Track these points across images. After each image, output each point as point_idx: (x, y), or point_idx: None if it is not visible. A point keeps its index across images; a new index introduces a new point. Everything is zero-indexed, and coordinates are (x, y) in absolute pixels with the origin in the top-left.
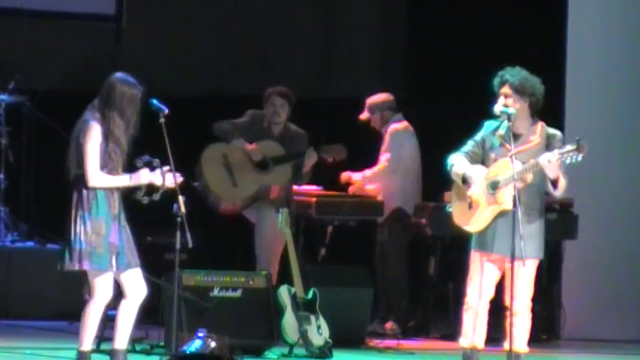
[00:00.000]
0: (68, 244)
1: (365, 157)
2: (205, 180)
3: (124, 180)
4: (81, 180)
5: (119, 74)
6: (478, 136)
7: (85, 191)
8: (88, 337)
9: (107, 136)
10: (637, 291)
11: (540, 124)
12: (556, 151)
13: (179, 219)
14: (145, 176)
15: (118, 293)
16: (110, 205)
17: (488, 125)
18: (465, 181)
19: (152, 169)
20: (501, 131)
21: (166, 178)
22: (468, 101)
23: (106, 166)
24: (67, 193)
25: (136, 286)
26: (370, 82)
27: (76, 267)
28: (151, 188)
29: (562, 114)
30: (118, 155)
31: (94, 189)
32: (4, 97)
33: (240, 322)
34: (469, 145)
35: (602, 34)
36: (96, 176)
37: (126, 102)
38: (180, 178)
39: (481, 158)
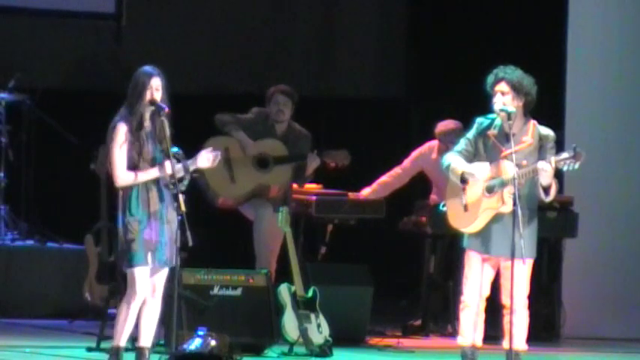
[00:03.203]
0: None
1: (364, 157)
2: (203, 173)
3: (150, 173)
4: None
5: (145, 66)
6: (470, 134)
7: (120, 192)
8: (124, 333)
9: (132, 131)
10: (637, 289)
11: (532, 124)
12: (553, 159)
13: (179, 217)
14: (168, 168)
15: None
16: (146, 202)
17: (480, 123)
18: (463, 180)
19: (177, 160)
20: (494, 131)
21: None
22: (468, 101)
23: (136, 162)
24: (66, 190)
25: (161, 284)
26: (370, 82)
27: (123, 268)
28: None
29: (562, 114)
30: (147, 147)
31: (124, 188)
32: (4, 95)
33: (240, 321)
34: (462, 144)
35: (602, 34)
36: (122, 176)
37: (135, 90)
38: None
39: (473, 156)
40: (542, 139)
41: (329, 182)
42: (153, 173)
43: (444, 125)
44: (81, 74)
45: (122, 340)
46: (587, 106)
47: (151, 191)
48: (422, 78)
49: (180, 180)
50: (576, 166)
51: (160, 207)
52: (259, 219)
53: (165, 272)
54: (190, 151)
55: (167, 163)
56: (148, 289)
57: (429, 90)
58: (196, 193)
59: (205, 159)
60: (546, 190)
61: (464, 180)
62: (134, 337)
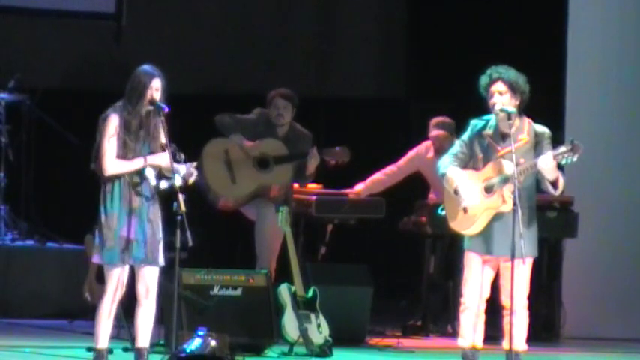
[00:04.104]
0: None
1: (364, 157)
2: (204, 175)
3: (140, 162)
4: (99, 173)
5: (145, 65)
6: (465, 137)
7: (103, 185)
8: (102, 334)
9: (125, 125)
10: (637, 289)
11: (527, 122)
12: (550, 154)
13: (179, 217)
14: (164, 159)
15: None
16: (127, 198)
17: (474, 125)
18: (457, 192)
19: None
20: (489, 131)
21: (187, 175)
22: (468, 101)
23: (124, 155)
24: (66, 190)
25: (153, 284)
26: (370, 82)
27: (95, 260)
28: (161, 176)
29: (562, 114)
30: (135, 144)
31: (112, 177)
32: (4, 95)
33: (240, 321)
34: (457, 146)
35: (602, 34)
36: (111, 163)
37: (136, 89)
38: (194, 174)
39: (469, 158)
40: (537, 136)
41: (329, 182)
42: (140, 163)
43: (435, 119)
44: (81, 74)
45: (102, 341)
46: (587, 106)
47: (134, 188)
48: (422, 78)
49: (167, 178)
50: (574, 158)
51: (140, 204)
52: (261, 218)
53: (155, 272)
54: (190, 151)
55: (160, 155)
56: (122, 287)
57: (429, 90)
58: (196, 193)
59: (187, 172)
60: (554, 184)
61: (457, 193)
62: (133, 337)
